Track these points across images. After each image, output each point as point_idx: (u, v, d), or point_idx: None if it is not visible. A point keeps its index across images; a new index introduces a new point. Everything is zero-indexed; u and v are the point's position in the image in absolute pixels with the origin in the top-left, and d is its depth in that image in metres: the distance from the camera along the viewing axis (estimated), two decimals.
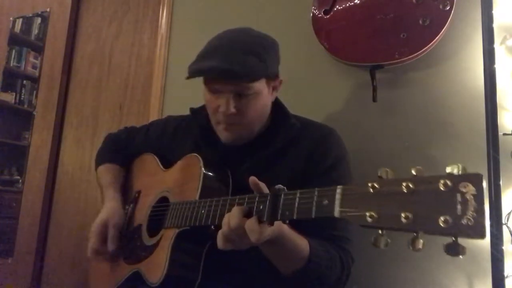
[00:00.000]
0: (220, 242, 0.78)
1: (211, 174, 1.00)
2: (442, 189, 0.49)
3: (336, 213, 0.60)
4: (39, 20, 2.45)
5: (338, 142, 1.09)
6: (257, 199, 0.76)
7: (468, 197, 0.47)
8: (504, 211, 1.05)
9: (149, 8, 2.06)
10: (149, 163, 1.25)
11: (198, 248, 0.95)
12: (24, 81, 2.44)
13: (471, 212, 0.46)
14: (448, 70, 1.28)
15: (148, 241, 1.08)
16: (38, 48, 2.41)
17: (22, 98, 2.43)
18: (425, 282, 1.21)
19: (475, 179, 0.48)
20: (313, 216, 0.65)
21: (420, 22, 1.22)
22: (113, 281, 1.13)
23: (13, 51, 2.51)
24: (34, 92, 2.37)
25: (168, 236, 0.98)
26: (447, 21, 1.20)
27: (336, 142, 1.09)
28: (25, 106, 2.41)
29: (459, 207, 0.47)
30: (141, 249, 1.09)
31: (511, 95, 1.16)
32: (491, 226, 1.03)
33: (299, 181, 0.99)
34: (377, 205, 0.55)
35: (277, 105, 1.12)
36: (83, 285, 1.95)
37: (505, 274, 1.02)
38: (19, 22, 2.53)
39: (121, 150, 1.34)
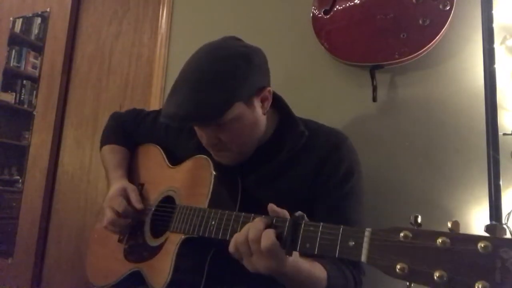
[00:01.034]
0: (230, 247, 0.76)
1: (221, 181, 0.96)
2: (481, 251, 0.47)
3: (364, 258, 0.58)
4: (39, 20, 2.45)
5: (351, 151, 1.03)
6: (274, 220, 0.73)
7: (508, 265, 0.45)
8: (504, 211, 1.05)
9: (149, 8, 2.06)
10: (155, 155, 1.22)
11: (202, 255, 0.94)
12: (24, 81, 2.44)
13: (509, 281, 0.44)
14: (448, 70, 1.28)
15: (152, 241, 1.06)
16: (38, 48, 2.41)
17: (22, 98, 2.43)
18: None
19: None
20: (336, 256, 0.62)
21: (420, 22, 1.22)
22: (112, 276, 1.11)
23: (13, 51, 2.51)
24: (34, 92, 2.37)
25: (174, 240, 0.96)
26: (447, 21, 1.20)
27: (348, 151, 1.02)
28: (25, 106, 2.41)
29: (498, 274, 0.45)
30: (143, 248, 1.07)
31: (511, 95, 1.16)
32: None
33: (309, 193, 0.98)
34: (408, 257, 0.52)
35: (283, 110, 1.08)
36: (83, 285, 1.95)
37: None
38: (19, 22, 2.53)
39: (127, 132, 1.30)
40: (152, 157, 1.23)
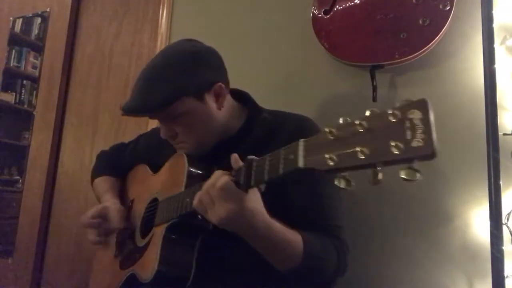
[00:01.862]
0: (194, 201, 0.81)
1: (196, 168, 1.00)
2: (392, 120, 0.51)
3: (301, 163, 0.62)
4: (39, 20, 2.45)
5: (315, 129, 1.06)
6: (233, 171, 0.78)
7: (416, 122, 0.49)
8: (504, 211, 1.05)
9: (149, 8, 2.06)
10: (141, 172, 1.29)
11: (190, 242, 0.95)
12: (24, 81, 2.44)
13: (419, 134, 0.48)
14: (448, 70, 1.28)
15: (141, 242, 1.08)
16: (38, 48, 2.41)
17: (22, 98, 2.43)
18: (425, 282, 1.21)
19: (421, 104, 0.50)
20: (281, 172, 0.67)
21: (420, 22, 1.22)
22: (111, 287, 1.14)
23: (13, 51, 2.51)
24: (34, 92, 2.37)
25: (159, 232, 0.99)
26: (447, 21, 1.20)
27: (312, 130, 1.05)
28: (25, 106, 2.40)
29: (408, 132, 0.49)
30: (134, 251, 1.09)
31: (511, 95, 1.16)
32: (491, 226, 1.03)
33: None
34: (336, 148, 0.57)
35: (249, 104, 1.13)
36: (83, 286, 1.95)
37: (505, 274, 1.02)
38: (19, 22, 2.53)
39: (114, 164, 1.38)
40: (139, 174, 1.30)
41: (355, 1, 1.34)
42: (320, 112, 1.42)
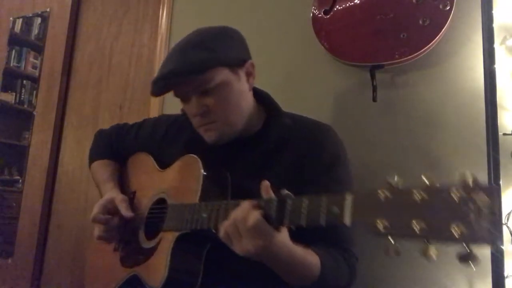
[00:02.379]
0: (221, 231, 0.78)
1: (210, 175, 0.97)
2: (455, 198, 0.49)
3: (347, 221, 0.60)
4: (39, 20, 2.44)
5: (334, 139, 1.06)
6: (263, 202, 0.74)
7: (481, 207, 0.47)
8: (504, 211, 1.05)
9: (149, 8, 2.06)
10: (145, 162, 1.23)
11: (198, 250, 0.94)
12: (24, 81, 2.44)
13: (485, 221, 0.46)
14: (448, 70, 1.28)
15: (146, 243, 1.06)
16: (38, 48, 2.40)
17: (22, 98, 2.43)
18: (426, 282, 1.21)
19: (490, 190, 0.48)
20: (323, 224, 0.64)
21: (420, 22, 1.22)
22: (110, 285, 1.11)
23: (13, 51, 2.51)
24: (34, 92, 2.37)
25: (168, 239, 0.96)
26: (447, 21, 1.20)
27: (332, 139, 1.05)
28: (25, 106, 2.40)
29: (472, 216, 0.47)
30: (138, 252, 1.07)
31: (511, 95, 1.16)
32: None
33: (296, 181, 0.96)
34: (389, 214, 0.54)
35: (270, 105, 1.10)
36: (83, 285, 1.95)
37: (505, 274, 1.02)
38: (19, 22, 2.53)
39: (114, 146, 1.32)
40: (142, 165, 1.25)
41: (355, 1, 1.34)
42: (320, 112, 1.42)
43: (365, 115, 1.37)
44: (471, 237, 0.47)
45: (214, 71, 0.96)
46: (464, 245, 0.48)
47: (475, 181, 0.49)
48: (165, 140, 1.20)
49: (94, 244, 1.27)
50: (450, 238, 0.48)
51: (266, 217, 0.72)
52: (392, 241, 0.54)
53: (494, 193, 0.48)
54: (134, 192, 1.22)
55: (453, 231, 0.48)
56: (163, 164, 1.14)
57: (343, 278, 0.92)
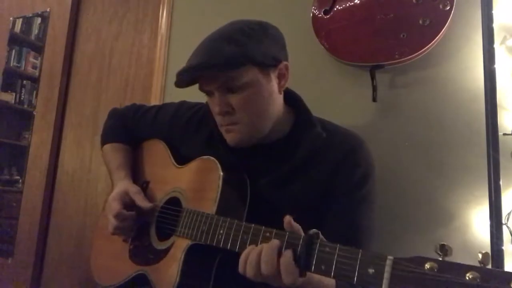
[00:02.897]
0: (241, 267, 0.74)
1: (229, 185, 0.93)
2: None
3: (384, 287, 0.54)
4: (39, 20, 2.45)
5: (367, 156, 1.00)
6: (287, 237, 0.71)
7: None
8: (504, 211, 1.05)
9: (149, 8, 2.06)
10: (160, 153, 1.18)
11: (209, 261, 0.92)
12: (24, 81, 2.44)
13: None
14: (448, 70, 1.28)
15: (158, 244, 1.04)
16: (38, 48, 2.41)
17: (22, 98, 2.43)
18: None
19: None
20: (354, 283, 0.59)
21: (420, 22, 1.22)
22: (117, 276, 1.10)
23: (13, 51, 2.51)
24: (34, 92, 2.37)
25: (180, 246, 0.95)
26: (447, 21, 1.20)
27: (365, 156, 0.99)
28: (25, 106, 2.41)
29: None
30: (149, 250, 1.05)
31: (511, 95, 1.16)
32: (491, 226, 1.03)
33: (322, 197, 0.95)
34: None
35: (300, 108, 1.04)
36: (83, 285, 1.95)
37: None
38: (19, 22, 2.53)
39: (128, 129, 1.27)
40: (157, 154, 1.20)
41: (355, 1, 1.34)
42: (320, 112, 1.42)
43: (365, 115, 1.37)
44: None
45: (243, 68, 0.90)
46: None
47: None
48: (185, 131, 1.15)
49: (101, 230, 1.24)
50: None
51: (293, 259, 0.68)
52: None
53: None
54: (148, 182, 1.18)
55: None
56: (181, 156, 1.11)
57: None
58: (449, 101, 1.26)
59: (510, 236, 1.05)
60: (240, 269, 0.74)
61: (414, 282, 0.51)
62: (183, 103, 1.23)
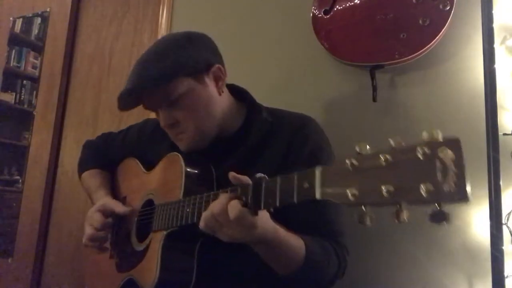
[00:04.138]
0: (200, 225, 0.78)
1: (193, 171, 0.97)
2: (420, 157, 0.48)
3: (318, 194, 0.59)
4: (39, 20, 2.44)
5: (316, 131, 1.05)
6: (239, 189, 0.75)
7: (447, 163, 0.46)
8: (504, 211, 1.05)
9: (149, 8, 2.06)
10: (132, 167, 1.24)
11: (189, 248, 0.94)
12: (24, 81, 2.44)
13: (451, 177, 0.45)
14: (448, 70, 1.28)
15: (138, 246, 1.06)
16: (38, 48, 2.41)
17: (22, 98, 2.43)
18: (425, 282, 1.21)
19: (453, 144, 0.47)
20: (295, 201, 0.64)
21: (420, 22, 1.22)
22: None
23: (13, 51, 2.51)
24: (34, 92, 2.37)
25: (157, 238, 0.97)
26: (447, 21, 1.20)
27: (313, 131, 1.04)
28: (25, 106, 2.40)
29: (439, 173, 0.46)
30: (131, 255, 1.07)
31: (511, 95, 1.16)
32: (491, 226, 1.03)
33: (280, 172, 0.97)
34: (357, 182, 0.53)
35: (248, 101, 1.09)
36: (83, 285, 1.95)
37: (505, 274, 1.02)
38: (19, 22, 2.53)
39: (102, 155, 1.33)
40: (130, 169, 1.25)
41: (355, 1, 1.34)
42: (320, 112, 1.42)
43: (365, 115, 1.37)
44: (440, 195, 0.46)
45: (175, 82, 0.95)
46: (435, 204, 0.47)
47: (439, 137, 0.48)
48: (152, 141, 1.20)
49: (91, 255, 1.27)
50: (419, 199, 0.47)
51: (245, 203, 0.73)
52: (364, 209, 0.53)
53: (457, 146, 0.47)
54: (125, 197, 1.22)
55: (421, 191, 0.46)
56: (150, 164, 1.14)
57: (332, 266, 0.91)
58: (449, 101, 1.26)
59: (510, 236, 1.06)
60: (201, 226, 0.78)
61: (340, 180, 0.55)
62: (147, 120, 1.32)
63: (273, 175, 0.96)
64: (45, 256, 2.17)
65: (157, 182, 1.08)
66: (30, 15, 2.49)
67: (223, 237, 0.76)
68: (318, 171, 0.60)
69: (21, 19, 2.52)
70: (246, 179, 0.76)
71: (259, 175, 0.73)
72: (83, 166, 1.34)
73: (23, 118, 2.38)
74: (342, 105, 1.43)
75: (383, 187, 0.50)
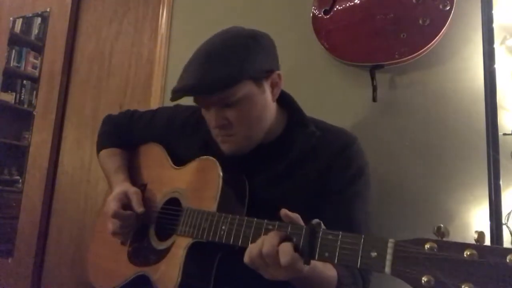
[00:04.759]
0: (245, 259, 0.75)
1: (229, 183, 0.94)
2: (510, 264, 0.46)
3: (388, 270, 0.56)
4: (39, 20, 2.45)
5: (360, 153, 1.02)
6: (289, 228, 0.71)
7: None
8: (504, 211, 1.05)
9: (149, 8, 2.06)
10: (158, 155, 1.19)
11: (210, 258, 0.92)
12: (24, 81, 2.44)
13: None
14: (448, 70, 1.28)
15: (158, 244, 1.04)
16: (38, 48, 2.41)
17: (22, 98, 2.43)
18: None
19: None
20: (358, 267, 0.61)
21: (420, 22, 1.22)
22: (116, 278, 1.09)
23: (13, 51, 2.51)
24: (34, 92, 2.37)
25: (181, 244, 0.94)
26: (447, 21, 1.20)
27: (358, 153, 1.01)
28: (25, 106, 2.41)
29: None
30: (149, 251, 1.05)
31: (511, 95, 1.16)
32: (491, 226, 1.03)
33: (317, 193, 0.96)
34: (435, 270, 0.51)
35: (292, 108, 1.06)
36: (83, 285, 1.95)
37: None
38: (19, 22, 2.53)
39: (124, 134, 1.27)
40: (154, 157, 1.20)
41: (355, 1, 1.34)
42: (320, 112, 1.42)
43: (365, 115, 1.37)
44: None
45: (238, 85, 0.91)
46: None
47: None
48: (181, 133, 1.16)
49: (98, 233, 1.24)
50: None
51: (296, 248, 0.69)
52: None
53: None
54: (145, 185, 1.18)
55: None
56: (178, 159, 1.11)
57: None
58: (449, 101, 1.26)
59: (510, 236, 1.05)
60: (246, 261, 0.75)
61: (416, 262, 0.53)
62: (177, 107, 1.24)
63: (307, 193, 0.92)
64: (45, 256, 2.17)
65: (187, 183, 1.04)
66: (30, 15, 2.49)
67: (266, 275, 0.73)
68: (391, 244, 0.57)
69: (21, 19, 2.53)
70: (297, 218, 0.73)
71: (315, 221, 0.69)
72: (102, 143, 1.29)
73: (23, 118, 2.38)
74: (342, 105, 1.43)
75: (463, 285, 0.48)
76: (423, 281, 0.51)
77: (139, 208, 1.05)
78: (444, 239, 0.54)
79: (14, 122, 2.44)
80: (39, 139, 2.28)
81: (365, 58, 1.31)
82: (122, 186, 1.12)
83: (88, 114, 2.18)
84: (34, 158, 2.28)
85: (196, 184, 1.02)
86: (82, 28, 2.32)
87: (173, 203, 1.06)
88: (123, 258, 1.11)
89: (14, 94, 2.45)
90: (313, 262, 0.72)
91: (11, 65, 2.50)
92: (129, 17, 2.14)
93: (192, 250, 0.92)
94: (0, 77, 2.51)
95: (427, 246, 0.53)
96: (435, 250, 0.52)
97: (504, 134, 1.09)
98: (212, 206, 0.91)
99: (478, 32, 1.17)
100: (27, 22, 2.50)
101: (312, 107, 1.43)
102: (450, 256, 0.51)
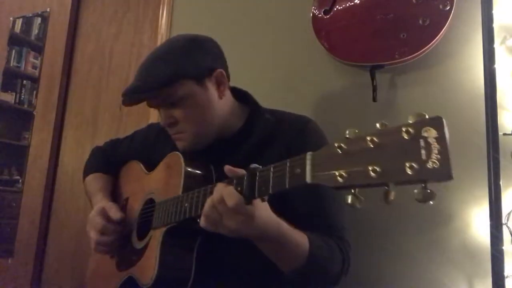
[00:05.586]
0: (201, 220, 0.78)
1: (193, 170, 0.98)
2: (405, 137, 0.49)
3: (308, 178, 0.60)
4: (39, 20, 2.45)
5: (316, 131, 1.06)
6: (235, 181, 0.75)
7: (430, 141, 0.47)
8: (504, 211, 1.05)
9: (149, 8, 2.06)
10: (134, 169, 1.26)
11: (188, 245, 0.94)
12: (24, 81, 2.44)
13: (435, 155, 0.47)
14: (448, 70, 1.28)
15: (138, 244, 1.07)
16: (38, 48, 2.41)
17: (22, 98, 2.43)
18: (426, 281, 1.21)
19: (436, 122, 0.49)
20: (287, 186, 0.65)
21: (420, 22, 1.22)
22: None
23: (13, 51, 2.51)
24: (34, 92, 2.37)
25: (157, 235, 0.97)
26: (447, 21, 1.20)
27: (313, 131, 1.06)
28: (25, 106, 2.41)
29: (423, 152, 0.47)
30: (132, 253, 1.07)
31: (511, 95, 1.16)
32: (491, 226, 1.03)
33: None
34: (346, 164, 0.54)
35: (250, 103, 1.12)
36: (83, 285, 1.95)
37: (505, 274, 1.02)
38: (19, 22, 2.53)
39: (108, 160, 1.35)
40: (132, 171, 1.27)
41: (355, 1, 1.34)
42: (320, 112, 1.42)
43: (365, 115, 1.37)
44: (424, 173, 0.47)
45: (177, 84, 0.98)
46: (421, 184, 0.48)
47: (423, 117, 0.50)
48: (157, 143, 1.23)
49: (94, 255, 1.27)
50: (405, 178, 0.48)
51: (240, 192, 0.73)
52: (353, 191, 0.54)
53: (440, 124, 0.48)
54: (127, 199, 1.23)
55: (407, 171, 0.48)
56: (154, 165, 1.15)
57: (336, 263, 0.91)
58: (449, 101, 1.26)
59: (510, 236, 1.06)
60: (202, 223, 0.78)
61: (330, 164, 0.57)
62: (151, 124, 1.37)
63: None
64: (45, 256, 2.17)
65: (158, 181, 1.09)
66: (30, 15, 2.49)
67: (224, 230, 0.76)
68: (308, 156, 0.61)
69: (21, 19, 2.52)
70: (241, 171, 0.76)
71: (253, 165, 0.73)
72: (87, 171, 1.37)
73: (23, 118, 2.38)
74: (342, 105, 1.43)
75: (370, 168, 0.51)
76: (337, 178, 0.54)
77: (115, 215, 1.10)
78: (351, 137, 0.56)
79: (14, 122, 2.43)
80: (39, 139, 2.28)
81: (365, 58, 1.31)
82: (100, 203, 1.17)
83: (88, 114, 2.18)
84: (34, 158, 2.28)
85: (165, 179, 1.07)
86: (82, 28, 2.32)
87: (150, 204, 1.09)
88: (113, 269, 1.14)
89: (14, 94, 2.45)
90: (278, 223, 0.78)
91: (11, 65, 2.50)
92: (129, 17, 2.14)
93: (167, 238, 0.95)
94: (0, 77, 2.51)
95: (336, 145, 0.56)
96: (343, 148, 0.56)
97: (504, 134, 1.10)
98: (178, 192, 0.95)
99: (478, 32, 1.17)
100: (27, 22, 2.50)
101: (312, 107, 1.44)
102: (355, 148, 0.54)
